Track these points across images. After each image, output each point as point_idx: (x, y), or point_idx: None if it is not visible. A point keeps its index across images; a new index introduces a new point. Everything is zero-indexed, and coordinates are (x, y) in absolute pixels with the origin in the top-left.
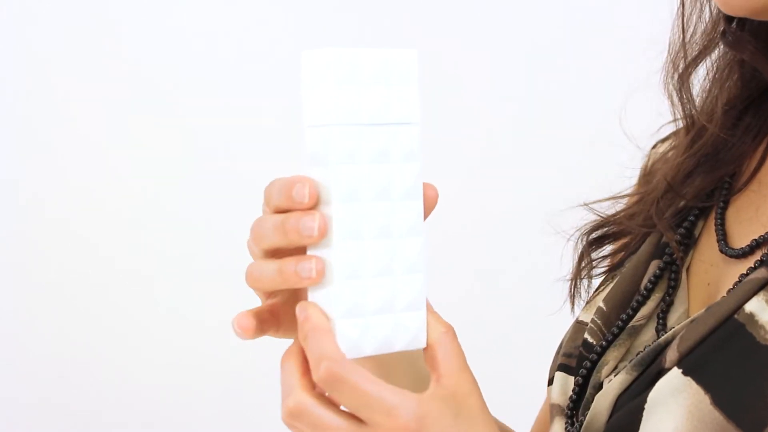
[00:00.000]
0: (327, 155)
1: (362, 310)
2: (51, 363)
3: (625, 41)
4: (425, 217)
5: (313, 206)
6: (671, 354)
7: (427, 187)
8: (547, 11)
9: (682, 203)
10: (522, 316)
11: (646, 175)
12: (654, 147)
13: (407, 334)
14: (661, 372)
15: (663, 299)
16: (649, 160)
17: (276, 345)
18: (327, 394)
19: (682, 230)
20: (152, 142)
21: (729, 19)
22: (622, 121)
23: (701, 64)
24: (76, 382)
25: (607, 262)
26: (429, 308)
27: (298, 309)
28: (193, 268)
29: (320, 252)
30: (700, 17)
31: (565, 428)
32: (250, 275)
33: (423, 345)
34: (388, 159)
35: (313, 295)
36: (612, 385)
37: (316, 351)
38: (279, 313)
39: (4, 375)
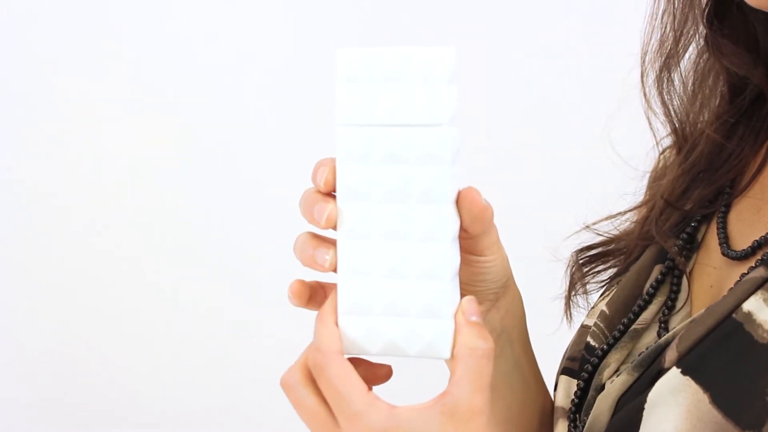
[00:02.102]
0: (349, 154)
1: (368, 310)
2: (51, 361)
3: (627, 57)
4: (475, 224)
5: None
6: (670, 354)
7: (466, 191)
8: (545, 24)
9: (682, 213)
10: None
11: (656, 179)
12: (662, 153)
13: (420, 342)
14: (661, 372)
15: (665, 303)
16: (659, 164)
17: (278, 343)
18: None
19: (684, 235)
20: (153, 140)
21: (709, 24)
22: (618, 139)
23: (679, 72)
24: (77, 380)
25: (600, 278)
26: (468, 320)
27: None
28: (195, 266)
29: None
30: (674, 14)
31: (568, 430)
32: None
33: (444, 356)
34: (408, 160)
35: None
36: (613, 386)
37: (315, 338)
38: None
39: (4, 374)
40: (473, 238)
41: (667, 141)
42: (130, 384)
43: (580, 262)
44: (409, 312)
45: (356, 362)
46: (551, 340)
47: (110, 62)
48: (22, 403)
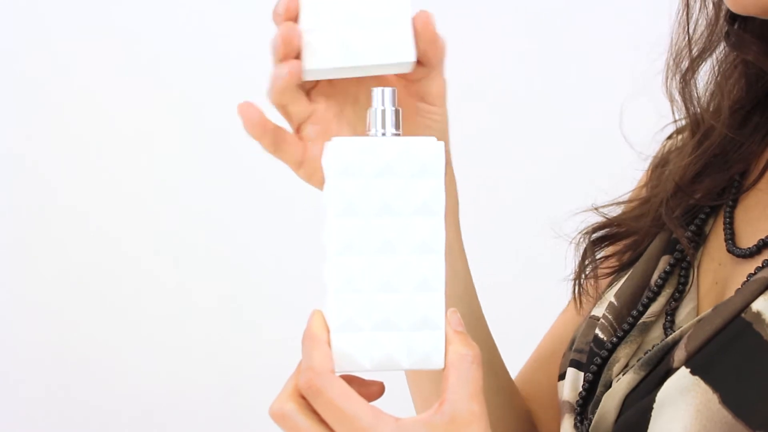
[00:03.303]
0: (342, 168)
1: (361, 325)
2: (53, 360)
3: (631, 41)
4: (429, 50)
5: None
6: (679, 353)
7: (420, 14)
8: (549, 11)
9: (692, 202)
10: (526, 316)
11: (657, 166)
12: (669, 137)
13: (417, 353)
14: (669, 371)
15: (672, 296)
16: (664, 149)
17: (283, 344)
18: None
19: (693, 227)
20: (160, 137)
21: (732, 19)
22: (625, 123)
23: (703, 65)
24: (79, 377)
25: (610, 262)
26: (455, 329)
27: (309, 315)
28: (198, 264)
29: (323, 264)
30: (701, 16)
31: (575, 426)
32: None
33: (438, 366)
34: (402, 173)
35: (322, 304)
36: (620, 385)
37: (304, 360)
38: (285, 134)
39: (7, 370)
40: (425, 78)
41: (665, 133)
42: (133, 384)
43: (592, 240)
44: (403, 325)
45: (349, 380)
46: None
47: (120, 56)
48: (22, 404)
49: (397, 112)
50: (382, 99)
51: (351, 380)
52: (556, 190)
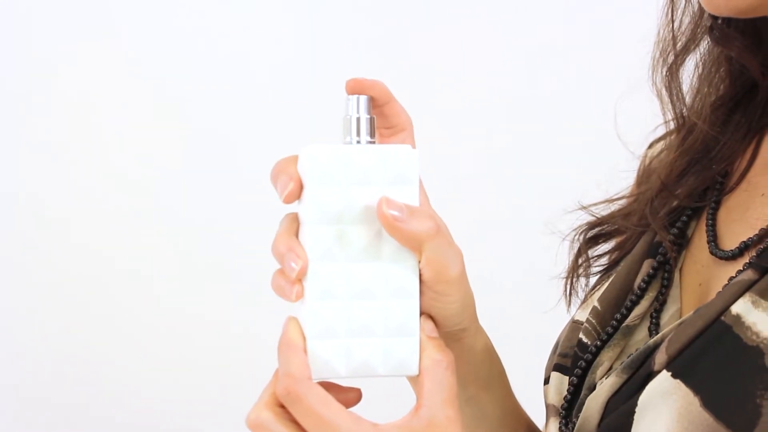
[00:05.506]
0: (321, 175)
1: (338, 332)
2: (51, 362)
3: (622, 41)
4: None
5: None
6: (660, 357)
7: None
8: (545, 12)
9: (675, 203)
10: (517, 314)
11: (643, 174)
12: (650, 146)
13: (393, 360)
14: (651, 375)
15: (656, 299)
16: (645, 159)
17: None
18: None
19: (675, 230)
20: (153, 141)
21: (715, 17)
22: (618, 123)
23: (689, 61)
24: (76, 381)
25: (602, 261)
26: (429, 335)
27: (284, 323)
28: (194, 268)
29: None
30: (686, 10)
31: (559, 429)
32: None
33: (413, 372)
34: (379, 181)
35: (296, 311)
36: (602, 388)
37: (282, 367)
38: None
39: (4, 375)
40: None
41: (658, 132)
42: (130, 384)
43: (587, 238)
44: (380, 331)
45: (326, 387)
46: (539, 333)
47: (111, 61)
48: (21, 404)
49: (371, 120)
50: (357, 107)
51: (328, 387)
52: (551, 189)
